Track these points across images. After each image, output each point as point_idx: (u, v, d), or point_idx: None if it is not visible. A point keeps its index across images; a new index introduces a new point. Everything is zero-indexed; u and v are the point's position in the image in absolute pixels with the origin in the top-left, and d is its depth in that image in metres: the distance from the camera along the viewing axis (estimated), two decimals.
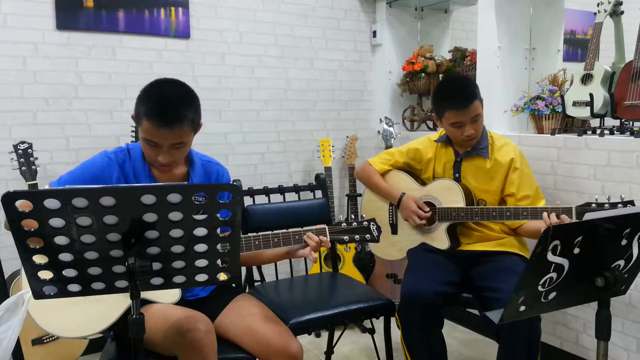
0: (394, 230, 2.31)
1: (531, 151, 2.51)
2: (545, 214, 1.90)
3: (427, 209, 2.16)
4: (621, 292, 1.32)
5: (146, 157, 1.64)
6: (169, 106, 1.53)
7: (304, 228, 1.72)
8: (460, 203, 2.09)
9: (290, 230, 1.72)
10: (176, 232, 1.21)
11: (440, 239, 2.15)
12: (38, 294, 1.23)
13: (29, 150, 2.46)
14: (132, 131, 2.77)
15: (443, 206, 2.14)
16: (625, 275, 1.32)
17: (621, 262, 1.30)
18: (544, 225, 1.89)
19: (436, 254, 2.15)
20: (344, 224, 1.77)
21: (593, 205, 1.86)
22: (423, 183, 2.26)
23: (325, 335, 2.76)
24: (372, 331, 2.20)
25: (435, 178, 2.23)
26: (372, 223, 1.78)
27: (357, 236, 1.76)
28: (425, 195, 2.20)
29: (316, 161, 3.44)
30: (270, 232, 1.70)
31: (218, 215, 1.21)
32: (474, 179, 2.17)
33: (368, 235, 1.77)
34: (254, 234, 1.70)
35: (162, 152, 1.57)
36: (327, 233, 1.72)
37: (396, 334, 2.03)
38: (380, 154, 2.39)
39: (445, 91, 2.12)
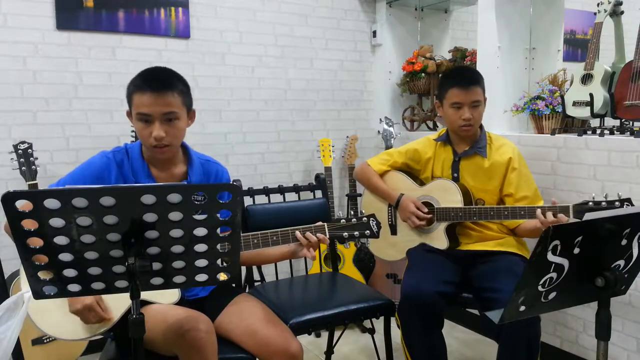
0: (393, 231, 2.31)
1: (531, 151, 2.51)
2: (538, 211, 1.89)
3: (426, 209, 2.16)
4: (621, 292, 1.32)
5: (141, 139, 1.63)
6: (157, 74, 1.61)
7: (303, 226, 1.71)
8: (459, 203, 2.09)
9: (289, 228, 1.70)
10: (176, 232, 1.21)
11: (439, 239, 2.15)
12: (38, 294, 1.23)
13: (29, 150, 2.46)
14: (132, 131, 2.77)
15: (441, 206, 2.14)
16: (625, 275, 1.32)
17: (621, 262, 1.30)
18: (540, 223, 1.88)
19: (436, 254, 2.14)
20: (343, 220, 1.74)
21: (590, 203, 1.85)
22: (422, 183, 2.26)
23: (325, 335, 2.76)
24: (372, 331, 2.20)
25: (434, 178, 2.23)
26: (371, 219, 1.76)
27: (356, 232, 1.73)
28: (424, 195, 2.20)
29: (316, 161, 3.43)
30: (269, 231, 1.69)
31: (218, 215, 1.21)
32: (472, 178, 2.17)
33: (368, 231, 1.74)
34: (253, 232, 1.69)
35: (155, 128, 1.57)
36: (327, 230, 1.72)
37: (396, 334, 2.03)
38: (379, 154, 2.39)
39: (452, 72, 2.31)
